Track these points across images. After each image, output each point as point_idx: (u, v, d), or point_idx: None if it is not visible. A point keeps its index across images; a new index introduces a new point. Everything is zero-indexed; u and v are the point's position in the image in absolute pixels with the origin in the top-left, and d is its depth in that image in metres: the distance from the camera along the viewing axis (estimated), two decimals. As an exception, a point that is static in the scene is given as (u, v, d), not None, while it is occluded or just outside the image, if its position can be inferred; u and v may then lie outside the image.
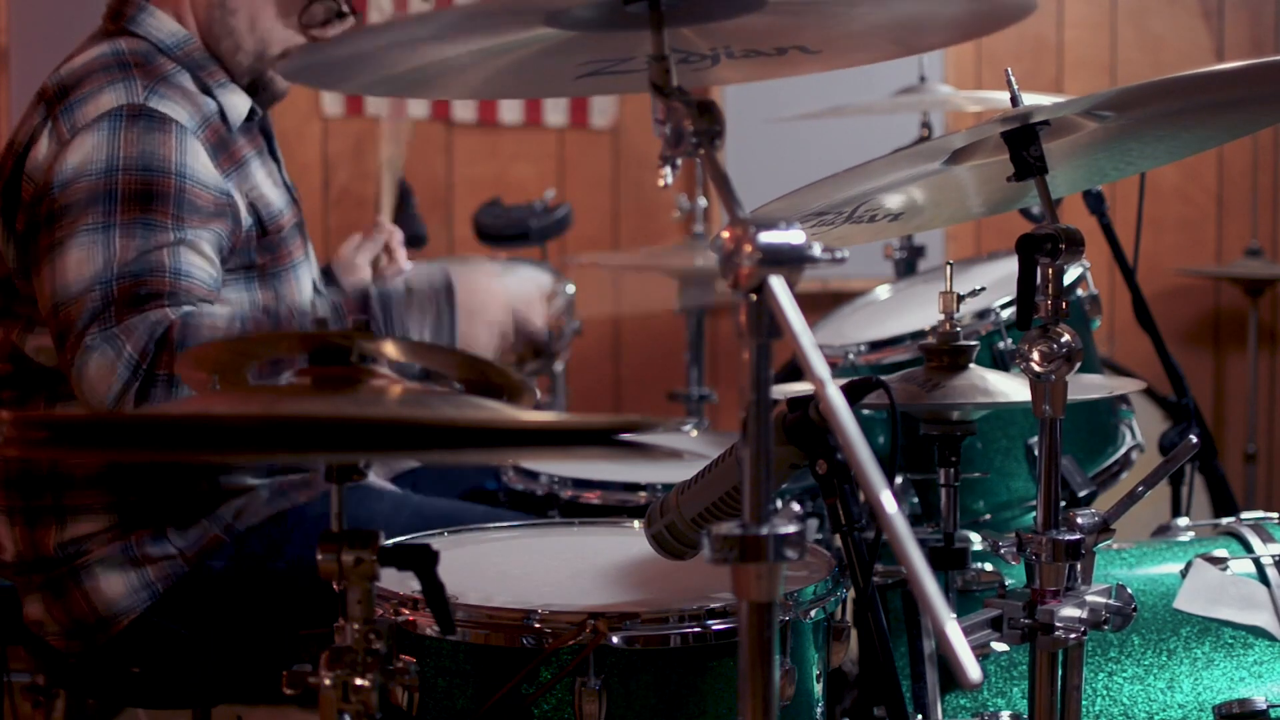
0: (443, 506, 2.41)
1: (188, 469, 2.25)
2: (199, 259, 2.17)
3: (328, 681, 1.43)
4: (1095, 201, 3.06)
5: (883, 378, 1.88)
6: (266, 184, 2.35)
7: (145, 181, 2.15)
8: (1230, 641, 2.15)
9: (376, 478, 2.52)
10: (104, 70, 2.22)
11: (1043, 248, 1.77)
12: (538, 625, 1.70)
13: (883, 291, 3.13)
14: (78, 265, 2.12)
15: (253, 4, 2.34)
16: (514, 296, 2.30)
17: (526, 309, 2.32)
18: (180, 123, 2.20)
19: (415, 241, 4.08)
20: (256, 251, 2.29)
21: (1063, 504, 1.85)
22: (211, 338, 2.07)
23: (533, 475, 2.58)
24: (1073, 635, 1.80)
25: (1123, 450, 2.69)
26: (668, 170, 1.49)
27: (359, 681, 1.43)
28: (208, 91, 2.31)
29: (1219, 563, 2.20)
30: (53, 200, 2.15)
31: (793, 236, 1.28)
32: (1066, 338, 1.77)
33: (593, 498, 2.53)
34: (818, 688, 1.86)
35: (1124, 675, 2.13)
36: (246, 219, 2.27)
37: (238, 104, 2.34)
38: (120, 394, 2.06)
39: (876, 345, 2.63)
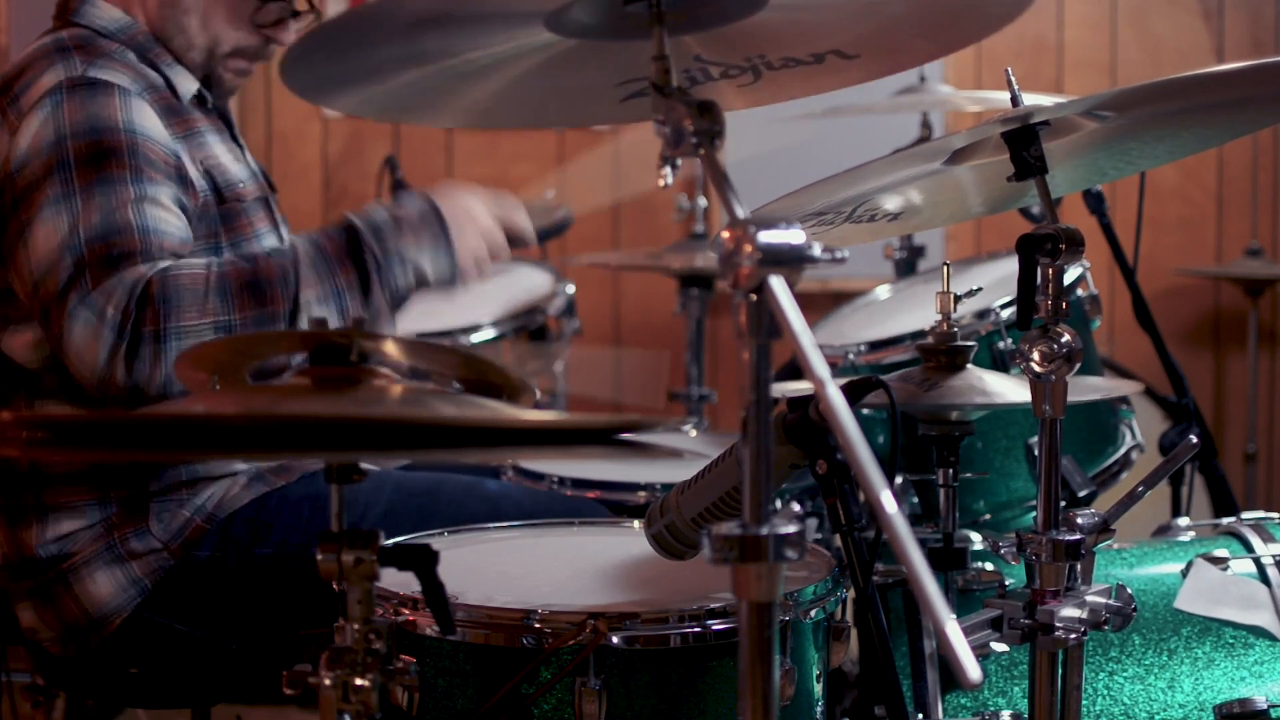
0: (424, 479, 2.40)
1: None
2: (164, 213, 2.16)
3: (328, 681, 1.42)
4: (1095, 201, 3.06)
5: (882, 378, 1.88)
6: (226, 157, 2.34)
7: (94, 143, 2.15)
8: (1231, 641, 2.15)
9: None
10: (44, 57, 2.24)
11: (1043, 248, 1.77)
12: (538, 625, 1.70)
13: (883, 291, 3.13)
14: (45, 239, 2.12)
15: (205, 4, 2.34)
16: (492, 201, 2.31)
17: (508, 210, 2.32)
18: (123, 86, 2.21)
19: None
20: (217, 219, 2.29)
21: (1063, 504, 1.85)
22: (193, 288, 2.07)
23: (532, 475, 2.58)
24: (1073, 635, 1.80)
25: (1123, 450, 2.69)
26: (668, 170, 1.49)
27: (359, 681, 1.43)
28: (154, 68, 2.31)
29: (1220, 562, 2.20)
30: (14, 186, 2.16)
31: (793, 236, 1.28)
32: (1067, 338, 1.77)
33: (592, 498, 2.53)
34: (818, 688, 1.85)
35: (1125, 675, 2.13)
36: (201, 184, 2.26)
37: (185, 83, 2.35)
38: (109, 357, 2.05)
39: (876, 345, 2.63)
